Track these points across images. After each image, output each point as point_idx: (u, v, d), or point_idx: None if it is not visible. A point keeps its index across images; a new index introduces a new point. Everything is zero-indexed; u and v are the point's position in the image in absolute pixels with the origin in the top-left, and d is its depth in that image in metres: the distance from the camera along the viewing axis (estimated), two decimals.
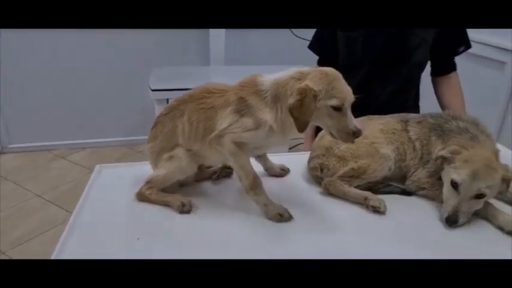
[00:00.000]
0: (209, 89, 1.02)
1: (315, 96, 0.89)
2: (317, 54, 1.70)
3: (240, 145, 0.97)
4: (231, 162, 1.01)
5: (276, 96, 0.94)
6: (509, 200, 1.08)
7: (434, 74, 1.56)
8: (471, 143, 1.04)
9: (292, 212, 1.03)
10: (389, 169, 1.13)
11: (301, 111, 0.89)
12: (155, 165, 1.10)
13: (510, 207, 1.07)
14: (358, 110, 1.54)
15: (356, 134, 0.93)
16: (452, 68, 1.55)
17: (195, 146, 1.03)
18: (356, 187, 1.12)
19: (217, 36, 3.05)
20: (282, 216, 1.00)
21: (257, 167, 1.19)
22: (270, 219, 1.01)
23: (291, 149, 2.87)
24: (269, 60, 3.27)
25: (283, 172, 1.23)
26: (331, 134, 0.96)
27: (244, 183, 1.00)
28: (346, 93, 0.92)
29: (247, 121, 0.95)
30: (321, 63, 1.69)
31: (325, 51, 1.65)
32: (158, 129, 1.08)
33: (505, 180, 0.99)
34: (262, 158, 1.19)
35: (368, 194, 1.08)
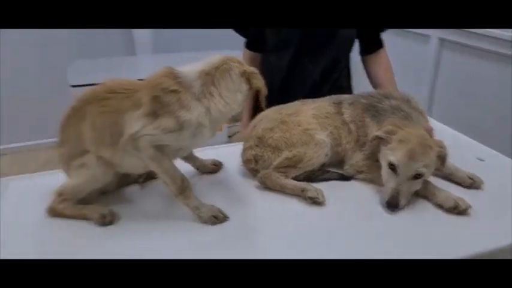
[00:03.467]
0: (113, 88, 0.89)
1: None
2: (244, 37, 1.61)
3: (160, 148, 0.86)
4: (153, 168, 0.90)
5: (209, 82, 0.87)
6: (446, 175, 1.08)
7: (363, 53, 1.54)
8: (405, 121, 1.01)
9: (228, 211, 0.95)
10: (326, 155, 1.09)
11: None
12: (66, 173, 0.96)
13: (447, 182, 1.07)
14: (295, 88, 1.51)
15: None
16: (379, 45, 1.53)
17: (106, 154, 0.90)
18: (294, 178, 1.06)
19: None
20: (217, 218, 0.92)
21: (186, 166, 1.09)
22: (204, 222, 0.92)
23: (231, 137, 2.78)
24: (198, 45, 3.13)
25: (215, 168, 1.14)
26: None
27: (172, 188, 0.90)
28: None
29: (168, 122, 0.84)
30: (248, 45, 1.61)
31: (251, 34, 1.57)
32: (65, 134, 0.93)
33: (440, 157, 0.97)
34: (190, 158, 1.09)
35: (305, 185, 1.02)
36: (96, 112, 0.88)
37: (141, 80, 0.92)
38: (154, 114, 0.84)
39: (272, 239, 0.90)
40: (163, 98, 0.84)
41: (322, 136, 1.09)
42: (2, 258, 0.82)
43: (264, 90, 0.94)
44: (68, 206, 0.93)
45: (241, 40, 1.65)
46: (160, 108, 0.84)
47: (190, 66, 0.90)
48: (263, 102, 0.97)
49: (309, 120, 1.12)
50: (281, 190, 1.04)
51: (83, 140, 0.90)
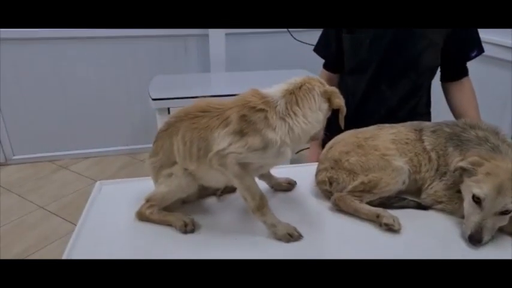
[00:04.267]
0: (204, 107, 0.96)
1: None
2: (322, 58, 1.65)
3: (244, 166, 0.91)
4: (236, 184, 0.95)
5: (292, 101, 0.91)
6: None
7: (445, 79, 1.49)
8: (492, 154, 0.97)
9: (301, 230, 0.97)
10: (404, 183, 1.07)
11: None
12: (156, 180, 1.05)
13: None
14: (368, 114, 1.50)
15: None
16: (464, 73, 1.48)
17: (191, 166, 0.97)
18: (368, 203, 1.06)
19: (217, 42, 2.99)
20: (292, 236, 0.94)
21: (261, 183, 1.13)
22: (279, 239, 0.95)
23: (297, 153, 2.80)
24: (269, 65, 3.23)
25: (289, 186, 1.17)
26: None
27: (251, 204, 0.94)
28: None
29: (253, 140, 0.89)
30: (326, 66, 1.64)
31: (330, 54, 1.59)
32: (158, 145, 1.02)
33: None
34: (266, 176, 1.13)
35: (380, 210, 1.01)
36: (188, 128, 0.95)
37: (234, 94, 0.98)
38: (241, 133, 0.89)
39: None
40: (250, 116, 0.89)
41: (400, 162, 1.08)
42: (91, 256, 0.91)
43: (344, 109, 0.97)
44: (155, 212, 1.01)
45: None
46: (247, 126, 0.89)
47: (274, 87, 0.94)
48: (342, 120, 0.99)
49: (387, 145, 1.11)
50: (355, 214, 1.04)
51: (173, 153, 0.98)
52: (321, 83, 0.97)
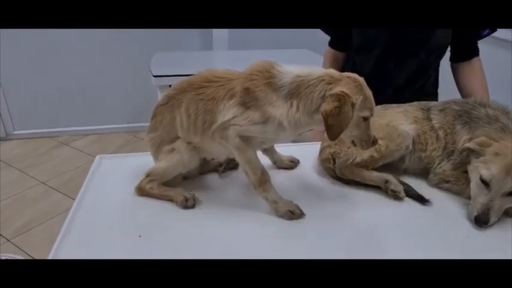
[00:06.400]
0: (209, 77, 0.93)
1: (353, 105, 0.83)
2: (329, 35, 1.60)
3: (246, 139, 0.89)
4: (236, 157, 0.93)
5: (295, 93, 0.86)
6: None
7: (455, 60, 1.45)
8: (501, 134, 0.94)
9: (303, 208, 0.95)
10: (407, 148, 1.05)
11: (338, 119, 0.82)
12: (156, 157, 1.03)
13: None
14: (375, 93, 1.45)
15: (374, 142, 0.92)
16: (475, 52, 1.44)
17: (195, 139, 0.95)
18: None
19: None
20: (293, 214, 0.93)
21: (264, 160, 1.11)
22: (281, 216, 0.93)
23: (299, 135, 2.76)
24: (273, 43, 3.16)
25: (292, 164, 1.14)
26: (353, 142, 0.92)
27: (252, 179, 0.93)
28: (374, 103, 0.89)
29: (254, 114, 0.86)
30: (332, 44, 1.59)
31: (337, 32, 1.55)
32: (157, 120, 1.00)
33: None
34: (269, 151, 1.11)
35: (390, 177, 1.01)
36: (192, 99, 0.92)
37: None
38: (244, 105, 0.87)
39: (343, 239, 0.90)
40: (253, 91, 0.86)
41: (406, 127, 1.06)
42: (89, 229, 0.90)
43: (327, 117, 0.82)
44: (155, 187, 0.99)
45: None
46: (250, 100, 0.86)
47: (291, 68, 0.88)
48: (327, 130, 0.84)
49: (394, 116, 1.09)
50: (362, 181, 1.04)
51: (176, 127, 0.96)
52: (333, 82, 0.84)
